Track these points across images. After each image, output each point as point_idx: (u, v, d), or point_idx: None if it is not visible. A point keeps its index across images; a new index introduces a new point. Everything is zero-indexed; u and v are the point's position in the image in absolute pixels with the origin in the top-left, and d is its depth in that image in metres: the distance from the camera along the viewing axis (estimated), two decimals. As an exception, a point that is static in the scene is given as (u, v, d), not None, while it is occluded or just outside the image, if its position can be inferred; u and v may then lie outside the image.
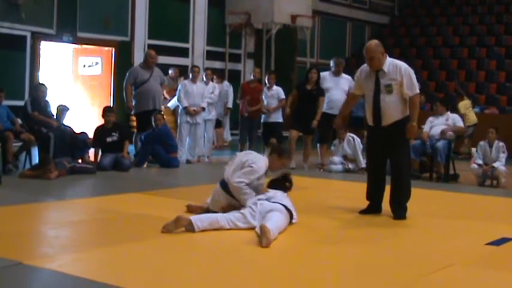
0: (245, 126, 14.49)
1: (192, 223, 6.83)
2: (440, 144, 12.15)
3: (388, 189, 8.42)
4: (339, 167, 13.17)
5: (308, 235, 7.12)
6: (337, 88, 13.37)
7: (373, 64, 8.14)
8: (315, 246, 6.61)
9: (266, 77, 14.47)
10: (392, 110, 8.13)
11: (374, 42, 8.34)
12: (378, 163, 8.49)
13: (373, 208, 8.47)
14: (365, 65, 8.35)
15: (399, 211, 8.24)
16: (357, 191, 10.29)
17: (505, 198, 10.68)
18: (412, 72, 8.21)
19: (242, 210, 7.19)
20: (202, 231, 6.83)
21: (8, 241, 6.36)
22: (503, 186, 11.68)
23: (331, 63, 13.73)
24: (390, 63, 8.17)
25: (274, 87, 14.14)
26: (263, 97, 14.10)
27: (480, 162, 11.94)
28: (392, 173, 8.45)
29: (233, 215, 7.13)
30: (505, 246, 6.92)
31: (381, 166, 8.51)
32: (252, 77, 14.89)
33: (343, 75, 13.66)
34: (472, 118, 17.05)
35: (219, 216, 7.12)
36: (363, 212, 8.48)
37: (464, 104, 17.15)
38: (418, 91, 8.20)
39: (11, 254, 5.74)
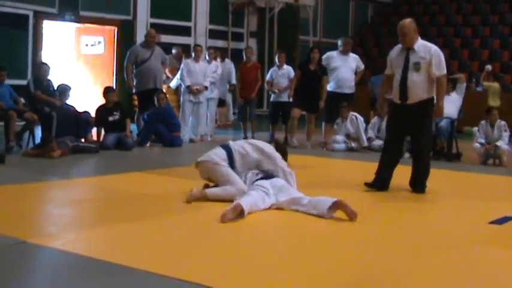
0: (244, 105, 14.56)
1: (243, 210, 6.64)
2: (443, 123, 12.15)
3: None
4: (342, 145, 13.19)
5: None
6: (345, 66, 13.46)
7: (405, 40, 8.43)
8: (316, 222, 6.61)
9: (276, 56, 14.50)
10: (418, 88, 8.36)
11: (408, 19, 8.64)
12: (396, 142, 8.71)
13: (380, 183, 8.60)
14: (398, 45, 8.62)
15: (419, 185, 8.53)
16: (360, 170, 10.34)
17: (507, 177, 10.70)
18: (441, 53, 8.51)
19: (258, 191, 7.15)
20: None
21: (12, 220, 6.38)
22: (506, 164, 11.69)
23: (339, 42, 13.73)
24: (421, 43, 8.47)
25: (285, 66, 14.15)
26: (273, 76, 14.14)
27: (482, 141, 11.95)
28: (413, 151, 8.80)
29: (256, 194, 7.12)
30: (508, 225, 6.93)
31: (398, 145, 8.75)
32: (245, 58, 14.89)
33: (351, 54, 13.72)
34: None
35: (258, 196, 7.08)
36: (369, 184, 8.61)
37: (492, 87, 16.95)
38: (445, 72, 8.48)
39: (15, 233, 5.75)
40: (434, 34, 22.44)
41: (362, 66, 13.81)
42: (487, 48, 21.52)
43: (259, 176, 7.48)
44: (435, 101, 8.59)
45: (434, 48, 8.47)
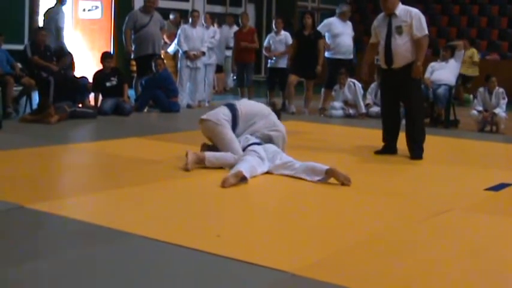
0: (241, 71, 14.54)
1: (245, 177, 6.68)
2: (441, 90, 12.16)
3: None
4: (340, 112, 13.19)
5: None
6: (346, 33, 13.66)
7: (386, 6, 8.62)
8: (314, 188, 6.64)
9: (273, 22, 14.49)
10: (403, 51, 8.54)
11: None
12: (392, 107, 8.83)
13: (388, 149, 8.79)
14: (381, 14, 8.85)
15: (416, 151, 8.58)
16: (357, 136, 10.36)
17: (504, 144, 10.72)
18: (421, 15, 8.72)
19: (253, 156, 7.17)
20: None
21: (9, 185, 6.39)
22: (503, 132, 11.70)
23: (339, 9, 13.83)
24: (402, 7, 8.66)
25: (282, 32, 14.12)
26: (271, 42, 14.11)
27: (480, 108, 11.96)
28: (406, 115, 8.81)
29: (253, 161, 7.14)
30: (504, 191, 6.96)
31: (393, 111, 8.84)
32: (241, 24, 14.88)
33: (348, 21, 13.88)
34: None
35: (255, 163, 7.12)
36: (378, 152, 8.80)
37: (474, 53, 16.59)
38: (426, 33, 8.63)
39: (12, 198, 5.77)
40: (432, 1, 22.34)
41: (352, 33, 13.94)
42: (485, 15, 21.42)
43: (250, 141, 7.51)
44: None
45: (414, 11, 8.69)
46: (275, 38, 14.10)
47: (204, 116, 7.69)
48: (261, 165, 7.08)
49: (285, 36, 14.05)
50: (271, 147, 7.43)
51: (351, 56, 13.75)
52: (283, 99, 14.02)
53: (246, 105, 7.95)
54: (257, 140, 7.54)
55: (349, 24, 13.84)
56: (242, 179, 6.60)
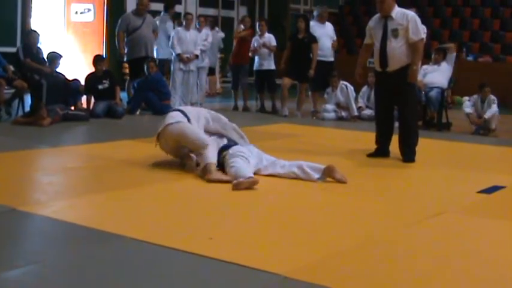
0: (235, 73, 14.54)
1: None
2: (433, 93, 12.17)
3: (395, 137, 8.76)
4: (332, 115, 13.21)
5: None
6: (325, 36, 13.66)
7: (383, 8, 8.59)
8: (308, 189, 6.65)
9: (257, 24, 14.47)
10: (398, 54, 8.51)
11: None
12: (386, 110, 8.82)
13: (381, 152, 8.78)
14: (376, 15, 8.80)
15: (409, 154, 8.57)
16: (349, 139, 10.36)
17: (496, 147, 10.72)
18: (418, 19, 8.71)
19: (243, 159, 7.13)
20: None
21: (1, 187, 6.37)
22: (495, 133, 11.75)
23: (316, 11, 14.14)
24: (398, 11, 8.63)
25: (266, 34, 14.12)
26: (255, 44, 14.09)
27: (469, 110, 12.01)
28: (399, 118, 8.78)
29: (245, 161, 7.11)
30: (496, 194, 6.97)
31: (388, 113, 8.84)
32: (243, 27, 14.89)
33: (327, 22, 13.99)
34: None
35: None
36: (371, 155, 8.79)
37: None
38: (422, 37, 8.68)
39: (5, 200, 5.76)
40: (425, 4, 22.39)
41: (335, 37, 14.05)
42: (478, 17, 21.46)
43: (225, 141, 7.50)
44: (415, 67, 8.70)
45: (411, 14, 8.68)
46: (259, 40, 14.09)
47: (158, 130, 7.46)
48: (250, 168, 7.06)
49: (269, 38, 14.06)
50: (254, 148, 7.43)
51: (332, 58, 13.75)
52: (272, 101, 14.01)
53: (193, 110, 7.91)
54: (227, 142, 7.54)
55: (328, 25, 13.91)
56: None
